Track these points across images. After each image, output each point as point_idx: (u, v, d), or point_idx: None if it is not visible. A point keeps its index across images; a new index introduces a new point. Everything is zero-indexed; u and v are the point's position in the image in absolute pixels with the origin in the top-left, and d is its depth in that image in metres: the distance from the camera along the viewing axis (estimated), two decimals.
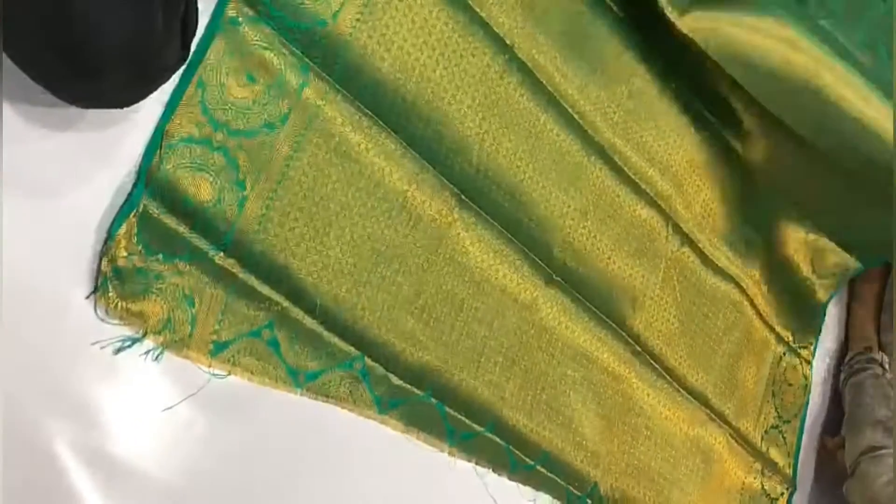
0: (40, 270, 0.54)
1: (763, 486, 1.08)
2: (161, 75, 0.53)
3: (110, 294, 0.55)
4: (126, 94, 0.52)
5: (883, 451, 0.99)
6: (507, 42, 0.76)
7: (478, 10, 0.74)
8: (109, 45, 0.47)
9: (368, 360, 0.69)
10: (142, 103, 0.54)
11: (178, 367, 0.60)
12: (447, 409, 0.74)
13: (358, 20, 0.67)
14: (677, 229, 0.96)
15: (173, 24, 0.52)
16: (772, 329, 1.11)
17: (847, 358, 1.17)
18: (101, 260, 0.55)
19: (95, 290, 0.55)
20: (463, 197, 0.75)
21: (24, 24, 0.45)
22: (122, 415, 0.57)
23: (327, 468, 0.68)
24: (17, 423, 0.53)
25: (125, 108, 0.54)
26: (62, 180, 0.55)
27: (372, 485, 0.70)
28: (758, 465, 1.08)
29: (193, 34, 0.55)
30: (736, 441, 1.04)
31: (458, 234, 0.75)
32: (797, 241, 1.11)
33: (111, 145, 0.57)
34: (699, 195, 0.99)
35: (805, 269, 1.13)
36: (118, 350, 0.56)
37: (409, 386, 0.71)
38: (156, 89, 0.53)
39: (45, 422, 0.54)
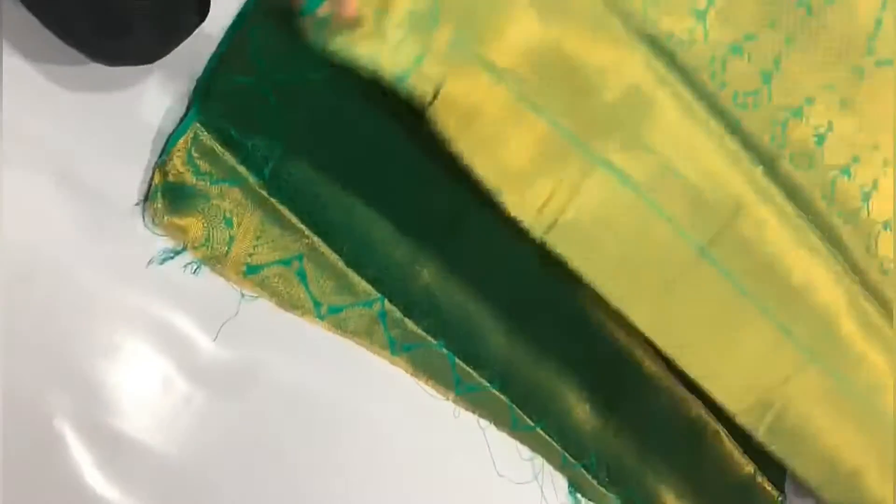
0: (41, 243, 0.57)
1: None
2: (181, 34, 0.57)
3: (158, 205, 0.60)
4: (149, 52, 0.56)
5: None
6: None
7: None
8: (136, 5, 0.51)
9: (387, 303, 0.73)
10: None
11: (177, 345, 0.63)
12: (457, 360, 0.77)
13: None
14: None
15: None
16: None
17: None
18: (153, 172, 0.60)
19: (146, 199, 0.60)
20: None
21: None
22: (122, 388, 0.60)
23: (325, 448, 0.70)
24: (17, 395, 0.55)
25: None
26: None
27: (371, 467, 0.73)
28: (750, 469, 1.09)
29: None
30: (730, 439, 1.06)
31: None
32: None
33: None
34: None
35: None
36: (162, 261, 0.61)
37: (423, 333, 0.75)
38: (175, 47, 0.57)
39: (44, 394, 0.57)
